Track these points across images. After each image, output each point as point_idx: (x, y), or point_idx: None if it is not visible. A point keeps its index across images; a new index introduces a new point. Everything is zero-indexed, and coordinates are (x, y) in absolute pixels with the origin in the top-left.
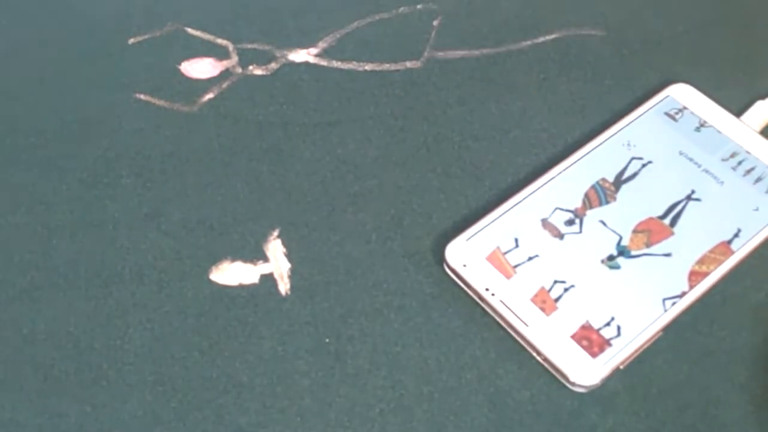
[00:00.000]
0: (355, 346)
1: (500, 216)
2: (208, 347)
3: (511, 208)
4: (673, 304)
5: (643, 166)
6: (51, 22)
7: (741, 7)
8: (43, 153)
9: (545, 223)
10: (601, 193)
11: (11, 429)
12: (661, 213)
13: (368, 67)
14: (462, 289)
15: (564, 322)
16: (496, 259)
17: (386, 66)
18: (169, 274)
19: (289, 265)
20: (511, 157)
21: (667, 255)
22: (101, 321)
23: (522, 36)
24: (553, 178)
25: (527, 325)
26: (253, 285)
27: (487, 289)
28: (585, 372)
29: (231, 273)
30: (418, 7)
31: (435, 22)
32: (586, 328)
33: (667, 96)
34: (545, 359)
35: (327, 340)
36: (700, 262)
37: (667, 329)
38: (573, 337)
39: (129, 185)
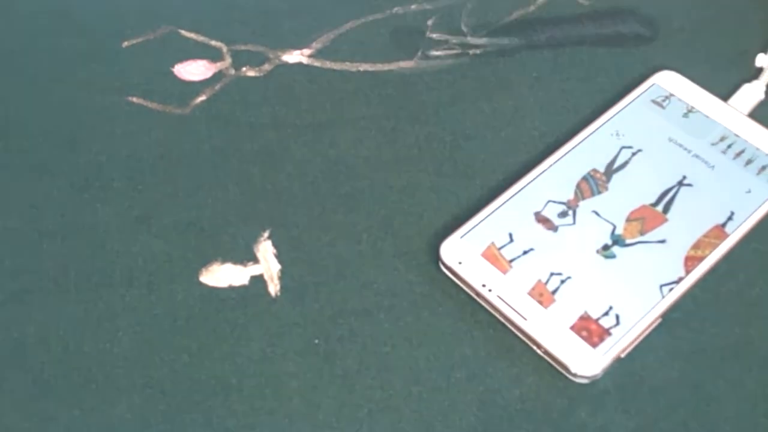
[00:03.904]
0: (345, 347)
1: (493, 212)
2: (197, 349)
3: (504, 203)
4: (671, 290)
5: (633, 154)
6: (44, 25)
7: (736, 5)
8: (35, 157)
9: (538, 216)
10: (593, 184)
11: None
12: (653, 200)
13: (362, 67)
14: (454, 287)
15: (562, 314)
16: (492, 254)
17: (379, 66)
18: (159, 277)
19: (279, 267)
20: (503, 156)
21: (662, 242)
22: (91, 324)
23: (515, 35)
24: (544, 171)
25: (526, 319)
26: (243, 286)
27: (483, 285)
28: (586, 362)
29: (221, 275)
30: (412, 7)
31: (429, 23)
32: (585, 318)
33: (653, 84)
34: (546, 352)
35: (316, 341)
36: (695, 246)
37: (665, 317)
38: (572, 328)
39: (120, 188)
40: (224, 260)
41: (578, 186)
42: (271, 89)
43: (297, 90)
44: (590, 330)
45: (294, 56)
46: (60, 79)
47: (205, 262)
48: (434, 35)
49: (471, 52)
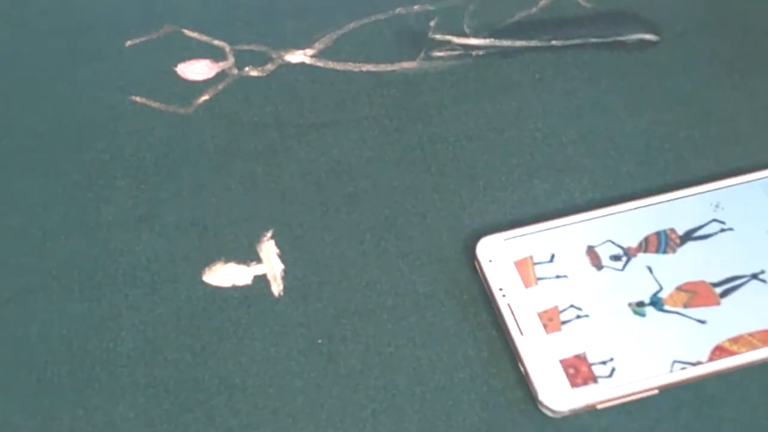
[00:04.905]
0: (348, 347)
1: (548, 229)
2: (200, 349)
3: (564, 225)
4: (682, 368)
5: (722, 231)
6: (48, 24)
7: (739, 9)
8: (39, 155)
9: (590, 249)
10: (663, 242)
11: (4, 431)
12: (716, 280)
13: (364, 68)
14: (458, 288)
15: (560, 345)
16: (524, 265)
17: (382, 67)
18: (163, 276)
19: (282, 266)
20: (506, 157)
21: (702, 322)
22: (94, 323)
23: (517, 36)
24: (621, 211)
25: (522, 334)
26: (246, 286)
27: (500, 289)
28: (556, 397)
29: (224, 274)
30: (415, 8)
31: (431, 23)
32: (580, 358)
33: None
34: (525, 372)
35: (320, 341)
36: (734, 340)
37: (664, 391)
38: (562, 361)
39: (123, 187)
40: (227, 260)
41: (647, 238)
42: (273, 89)
43: (300, 90)
44: (579, 370)
45: (297, 56)
46: (63, 78)
47: (209, 261)
48: (437, 36)
49: (474, 53)
